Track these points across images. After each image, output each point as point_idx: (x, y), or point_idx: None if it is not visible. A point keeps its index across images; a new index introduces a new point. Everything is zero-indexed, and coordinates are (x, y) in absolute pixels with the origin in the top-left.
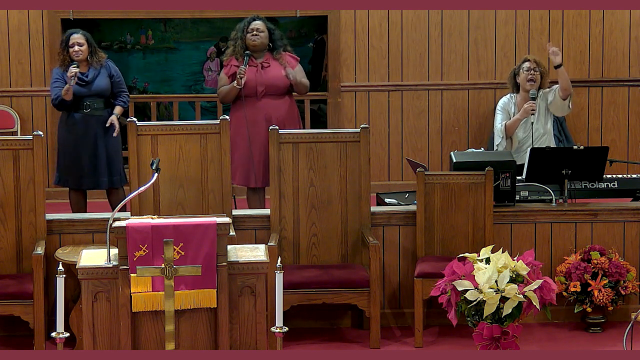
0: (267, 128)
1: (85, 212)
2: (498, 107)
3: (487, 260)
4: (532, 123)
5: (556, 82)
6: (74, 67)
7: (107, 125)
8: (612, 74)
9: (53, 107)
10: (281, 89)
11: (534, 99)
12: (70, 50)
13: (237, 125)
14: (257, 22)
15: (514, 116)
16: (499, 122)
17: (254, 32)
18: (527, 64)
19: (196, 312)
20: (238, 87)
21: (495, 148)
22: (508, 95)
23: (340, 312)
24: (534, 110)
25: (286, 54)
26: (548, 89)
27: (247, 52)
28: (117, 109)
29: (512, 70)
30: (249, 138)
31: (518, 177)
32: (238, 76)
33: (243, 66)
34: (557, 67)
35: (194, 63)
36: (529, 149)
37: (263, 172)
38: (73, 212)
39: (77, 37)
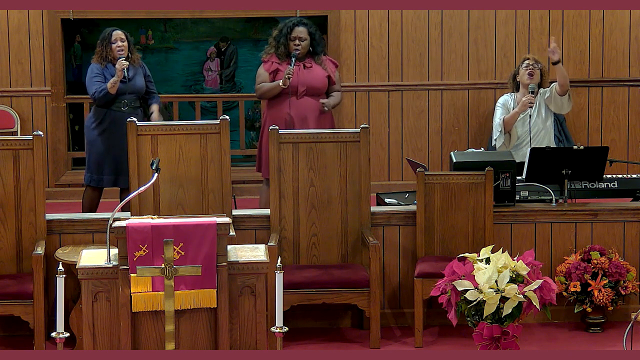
0: (302, 127)
1: (95, 211)
2: (498, 104)
3: (487, 260)
4: (530, 116)
5: (554, 82)
6: (124, 60)
7: None
8: (612, 74)
9: (53, 107)
10: (320, 90)
11: (532, 92)
12: (113, 46)
13: (272, 122)
14: (300, 28)
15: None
16: (498, 117)
17: (297, 42)
18: (527, 62)
19: (196, 312)
20: (283, 86)
21: (493, 143)
22: (508, 94)
23: (340, 312)
24: (532, 103)
25: (327, 58)
26: (547, 88)
27: (294, 52)
28: (155, 107)
29: (513, 71)
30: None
31: (518, 177)
32: (286, 76)
33: (291, 67)
34: (555, 63)
35: (194, 63)
36: (527, 147)
37: None
38: (84, 210)
39: (120, 34)
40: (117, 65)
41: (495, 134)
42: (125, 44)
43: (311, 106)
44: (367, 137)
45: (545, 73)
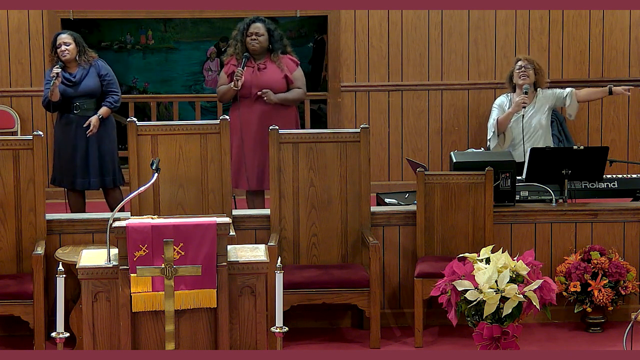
0: (259, 130)
1: (84, 212)
2: (494, 105)
3: (487, 260)
4: (523, 116)
5: (554, 82)
6: (56, 68)
7: (84, 125)
8: (612, 74)
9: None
10: (277, 91)
11: (526, 93)
12: (58, 50)
13: (232, 126)
14: (256, 24)
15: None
16: (493, 118)
17: (253, 37)
18: (519, 63)
19: (196, 312)
20: (235, 88)
21: (487, 143)
22: (505, 95)
23: (340, 312)
24: (525, 103)
25: (286, 57)
26: (560, 90)
27: (246, 54)
28: (102, 110)
29: (509, 71)
30: (242, 139)
31: (518, 177)
32: (235, 78)
33: (240, 68)
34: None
35: (194, 63)
36: (521, 147)
37: (256, 174)
38: (72, 211)
39: (64, 38)
40: (50, 73)
41: (489, 134)
42: (71, 47)
43: (268, 108)
44: (367, 137)
45: (539, 72)
